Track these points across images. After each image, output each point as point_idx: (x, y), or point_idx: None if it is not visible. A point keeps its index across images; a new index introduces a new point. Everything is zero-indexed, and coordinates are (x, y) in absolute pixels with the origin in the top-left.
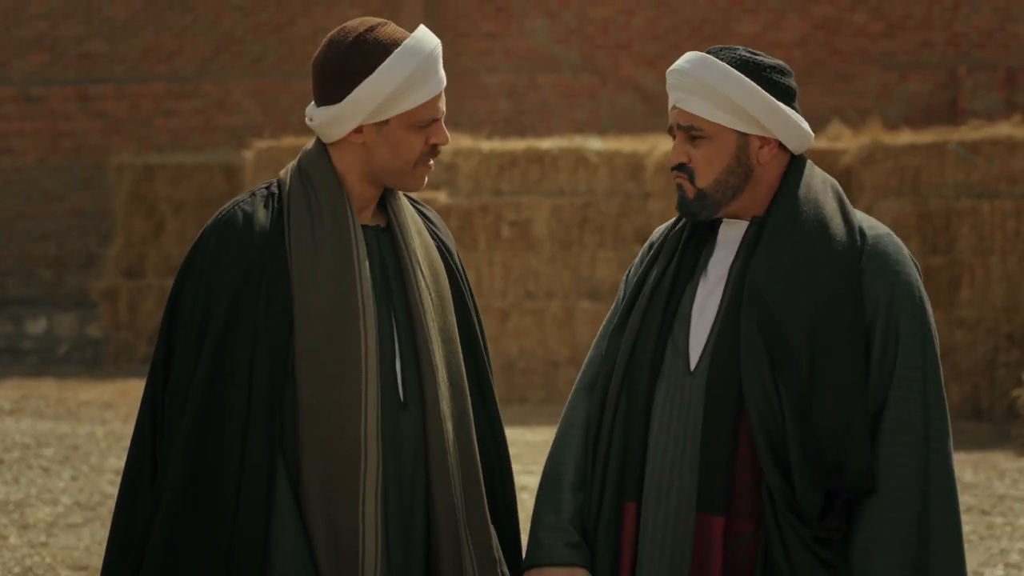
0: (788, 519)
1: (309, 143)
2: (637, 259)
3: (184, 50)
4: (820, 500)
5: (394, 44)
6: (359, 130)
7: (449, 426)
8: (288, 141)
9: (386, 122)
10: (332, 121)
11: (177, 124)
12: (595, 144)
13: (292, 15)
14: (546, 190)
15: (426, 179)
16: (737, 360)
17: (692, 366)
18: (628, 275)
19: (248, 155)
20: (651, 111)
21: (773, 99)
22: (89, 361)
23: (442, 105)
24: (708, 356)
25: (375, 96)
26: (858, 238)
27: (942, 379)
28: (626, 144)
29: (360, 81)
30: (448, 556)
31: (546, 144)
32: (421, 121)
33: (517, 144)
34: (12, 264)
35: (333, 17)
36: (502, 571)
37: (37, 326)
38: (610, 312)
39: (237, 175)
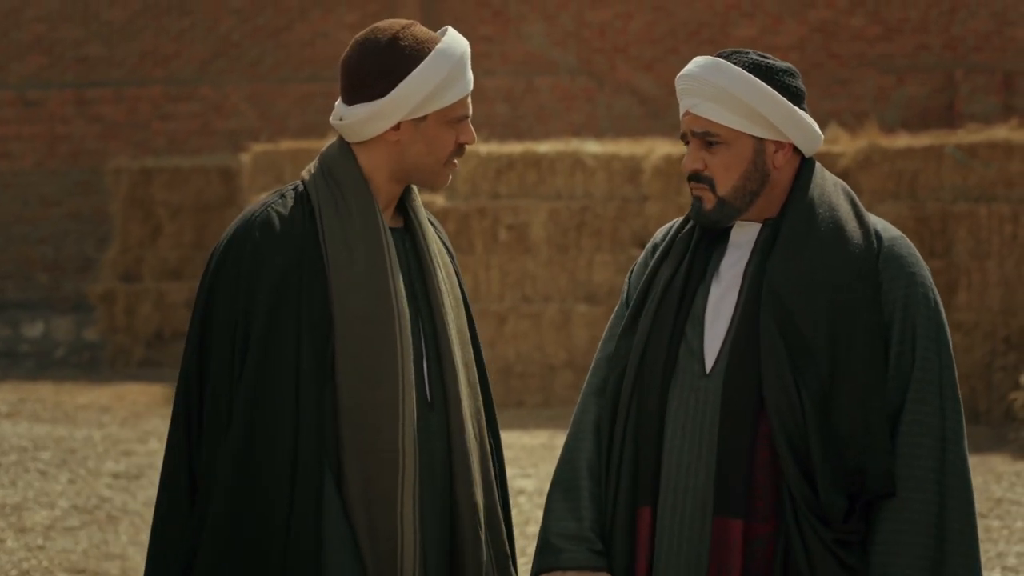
0: (810, 521)
1: (317, 145)
2: (640, 260)
3: (182, 54)
4: (843, 502)
5: (432, 42)
6: (396, 127)
7: (470, 426)
8: (286, 145)
9: (424, 118)
10: (372, 117)
11: (174, 128)
12: (592, 147)
13: (289, 19)
14: (543, 193)
15: (450, 178)
16: (755, 362)
17: (708, 368)
18: (631, 277)
19: (245, 159)
20: (648, 114)
21: (788, 102)
22: (86, 365)
23: (470, 104)
24: (725, 358)
25: (419, 92)
26: (874, 241)
27: (957, 381)
28: (623, 147)
29: (403, 77)
30: (471, 554)
31: (543, 147)
32: (456, 117)
33: (514, 147)
34: (9, 268)
35: (331, 22)
36: (512, 568)
37: (34, 330)
38: (614, 314)
39: (234, 179)
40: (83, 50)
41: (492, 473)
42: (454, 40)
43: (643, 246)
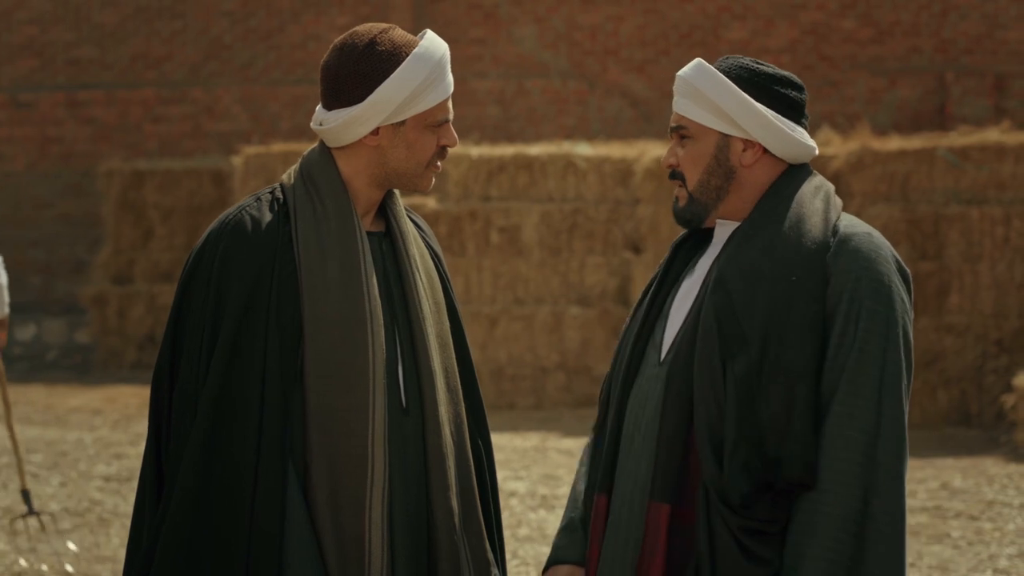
0: (718, 507)
1: (308, 148)
2: None
3: (173, 56)
4: (746, 487)
5: (409, 46)
6: (375, 132)
7: (447, 431)
8: (277, 147)
9: (403, 123)
10: (351, 122)
11: (166, 130)
12: (584, 150)
13: (281, 22)
14: (535, 196)
15: (434, 180)
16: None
17: (661, 358)
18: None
19: (237, 161)
20: (640, 117)
21: (754, 103)
22: (78, 367)
23: (451, 107)
24: (675, 347)
25: (396, 96)
26: (831, 236)
27: (903, 380)
28: (615, 150)
29: (381, 82)
30: (447, 560)
31: (535, 150)
32: (435, 121)
33: (506, 150)
34: None
35: (323, 24)
36: (494, 573)
37: (26, 332)
38: None
39: (226, 181)
40: (74, 52)
41: (473, 479)
42: (432, 44)
43: (635, 249)
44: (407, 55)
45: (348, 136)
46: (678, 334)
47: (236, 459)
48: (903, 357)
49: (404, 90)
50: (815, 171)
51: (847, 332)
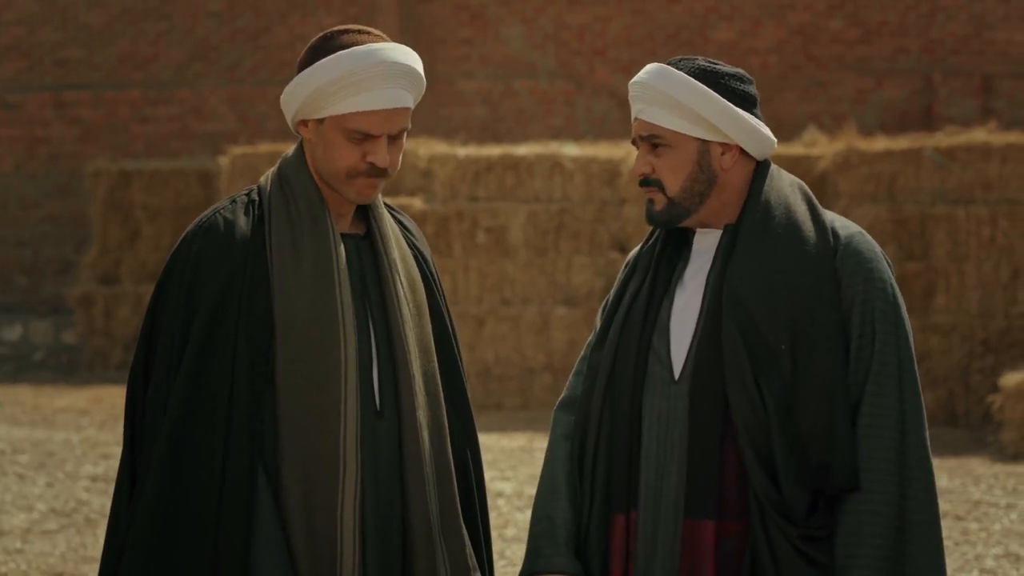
0: (775, 519)
1: (288, 149)
2: (616, 282)
3: (160, 57)
4: (806, 499)
5: (348, 45)
6: (305, 124)
7: (425, 435)
8: (264, 147)
9: (322, 121)
10: (282, 106)
11: (153, 131)
12: (571, 150)
13: (268, 23)
14: (522, 196)
15: (371, 195)
16: (720, 367)
17: (676, 375)
18: (606, 301)
19: (224, 161)
20: (627, 117)
21: (731, 105)
22: (65, 367)
23: (391, 127)
24: (691, 364)
25: (304, 88)
26: (831, 239)
27: (917, 373)
28: (602, 150)
29: (302, 70)
30: (423, 564)
31: (522, 150)
32: (355, 132)
33: (493, 150)
34: None
35: (309, 25)
36: None
37: (12, 332)
38: (591, 336)
39: (213, 182)
40: (62, 53)
41: (454, 483)
42: (371, 50)
43: (622, 249)
44: (336, 52)
45: (288, 121)
46: (691, 350)
47: (204, 458)
48: (911, 350)
49: (314, 82)
50: (774, 164)
51: (864, 334)
